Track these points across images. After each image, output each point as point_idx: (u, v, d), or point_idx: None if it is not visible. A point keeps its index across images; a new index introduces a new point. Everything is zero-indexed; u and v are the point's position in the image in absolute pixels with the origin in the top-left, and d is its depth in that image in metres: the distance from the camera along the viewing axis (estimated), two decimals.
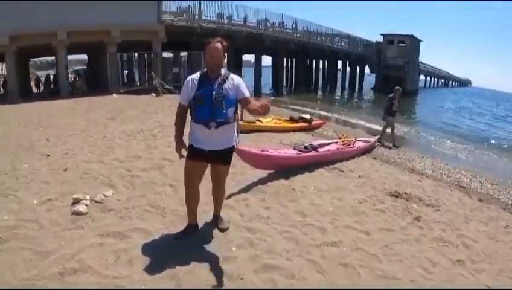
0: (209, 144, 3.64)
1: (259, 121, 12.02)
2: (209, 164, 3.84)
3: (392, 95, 12.57)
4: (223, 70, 3.66)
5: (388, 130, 12.55)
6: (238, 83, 3.66)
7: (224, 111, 3.56)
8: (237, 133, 3.89)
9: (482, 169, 10.94)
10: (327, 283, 3.38)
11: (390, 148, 11.89)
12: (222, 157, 3.78)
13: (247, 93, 3.66)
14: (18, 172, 5.93)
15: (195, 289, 3.11)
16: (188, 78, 3.71)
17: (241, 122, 10.83)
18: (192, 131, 3.70)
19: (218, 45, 3.56)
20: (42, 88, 27.53)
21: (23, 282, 3.05)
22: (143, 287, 3.06)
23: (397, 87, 13.05)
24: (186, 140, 3.80)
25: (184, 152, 3.79)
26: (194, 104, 3.59)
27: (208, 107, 3.51)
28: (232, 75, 3.68)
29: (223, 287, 3.15)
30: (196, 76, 3.68)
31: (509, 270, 4.02)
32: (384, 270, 3.67)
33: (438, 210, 5.68)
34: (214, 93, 3.51)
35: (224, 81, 3.60)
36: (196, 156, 3.69)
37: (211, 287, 3.13)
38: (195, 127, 3.65)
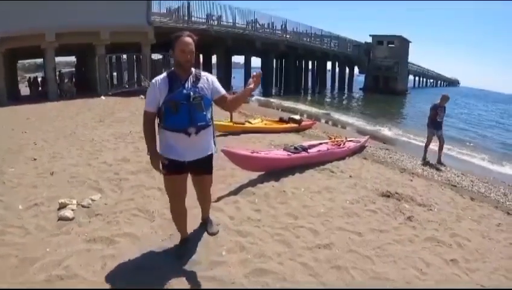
0: (189, 154, 3.26)
1: (249, 122, 12.01)
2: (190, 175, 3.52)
3: (436, 103, 10.52)
4: (193, 69, 3.27)
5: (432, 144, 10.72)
6: (213, 81, 3.36)
7: (204, 113, 3.22)
8: (214, 137, 3.52)
9: (472, 168, 11.01)
10: (319, 284, 3.33)
11: (438, 169, 9.69)
12: (204, 166, 3.46)
13: (223, 91, 3.38)
14: (4, 176, 5.83)
15: (190, 289, 3.07)
16: (153, 81, 3.23)
17: (230, 124, 10.91)
18: (165, 141, 3.26)
19: (189, 39, 3.14)
20: (40, 88, 27.14)
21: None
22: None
23: (444, 93, 10.83)
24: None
25: (163, 161, 3.30)
26: (166, 110, 3.14)
27: (185, 111, 3.12)
28: (203, 73, 3.36)
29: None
30: (163, 77, 3.22)
31: (503, 269, 4.00)
32: (378, 271, 3.63)
33: (430, 209, 5.66)
34: (191, 94, 3.14)
35: (197, 79, 3.24)
36: (175, 169, 3.30)
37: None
38: (170, 136, 3.20)
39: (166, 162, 3.25)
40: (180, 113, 3.11)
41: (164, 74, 3.26)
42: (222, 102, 3.36)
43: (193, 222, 4.06)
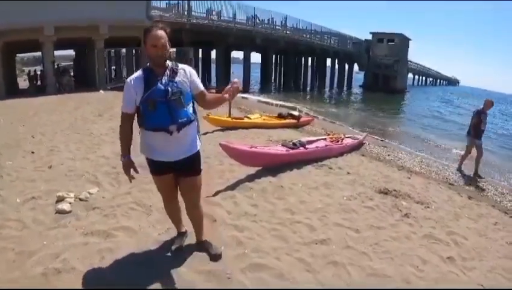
0: (173, 154, 3.08)
1: (248, 117, 12.01)
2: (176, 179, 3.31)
3: (479, 108, 9.30)
4: (169, 62, 3.05)
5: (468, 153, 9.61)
6: (191, 73, 3.14)
7: (185, 109, 3.01)
8: (198, 133, 3.28)
9: (470, 166, 11.01)
10: (318, 284, 3.34)
11: (474, 182, 8.75)
12: (191, 166, 3.22)
13: (202, 87, 3.20)
14: (2, 170, 5.83)
15: (188, 289, 3.05)
16: (128, 80, 3.00)
17: (228, 119, 10.91)
18: (146, 142, 3.09)
19: (161, 32, 2.92)
20: (39, 82, 26.98)
21: (6, 284, 2.97)
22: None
23: (488, 99, 9.40)
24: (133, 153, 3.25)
25: (133, 172, 3.19)
26: (144, 110, 2.94)
27: (164, 109, 2.92)
28: (181, 65, 3.13)
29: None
30: (138, 75, 2.99)
31: (500, 268, 4.01)
32: (375, 268, 3.63)
33: (428, 207, 5.66)
34: (169, 90, 2.92)
35: (174, 73, 3.03)
36: (159, 171, 3.18)
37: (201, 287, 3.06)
38: (151, 136, 3.02)
39: (137, 172, 3.21)
40: (158, 111, 2.92)
41: (139, 72, 3.04)
42: (199, 99, 3.19)
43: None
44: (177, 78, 3.02)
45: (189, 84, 3.09)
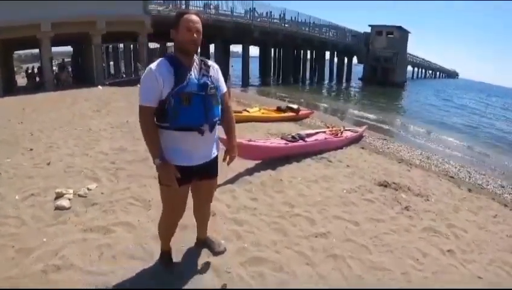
0: (201, 156, 2.77)
1: (247, 110, 11.99)
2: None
3: None
4: (195, 55, 2.75)
5: None
6: (219, 71, 2.88)
7: (219, 107, 2.75)
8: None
9: (470, 159, 11.06)
10: (316, 276, 3.33)
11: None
12: (211, 169, 2.95)
13: (225, 88, 2.93)
14: (1, 167, 5.78)
15: (188, 289, 3.03)
16: (152, 68, 2.57)
17: None
18: (169, 144, 2.66)
19: (197, 17, 2.65)
20: (37, 79, 26.93)
21: (6, 282, 2.95)
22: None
23: None
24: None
25: (177, 175, 2.66)
26: (176, 104, 2.51)
27: (200, 104, 2.58)
28: (209, 61, 2.84)
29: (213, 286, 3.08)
30: (164, 63, 2.60)
31: (500, 261, 4.00)
32: (375, 261, 3.63)
33: (428, 200, 5.66)
34: (208, 83, 2.64)
35: (207, 66, 2.75)
36: (183, 178, 2.71)
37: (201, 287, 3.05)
38: (177, 137, 2.63)
39: (179, 175, 2.66)
40: (193, 107, 2.56)
41: (163, 60, 2.64)
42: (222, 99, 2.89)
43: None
44: (211, 73, 2.76)
45: (219, 81, 2.83)
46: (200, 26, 2.64)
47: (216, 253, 3.36)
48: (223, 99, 2.86)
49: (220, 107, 2.76)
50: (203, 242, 3.47)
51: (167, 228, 3.10)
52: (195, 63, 2.70)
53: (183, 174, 2.69)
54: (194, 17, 2.63)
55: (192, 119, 2.59)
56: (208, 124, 2.67)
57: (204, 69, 2.72)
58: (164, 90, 2.54)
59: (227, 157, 3.04)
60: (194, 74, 2.64)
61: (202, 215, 3.30)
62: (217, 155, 2.97)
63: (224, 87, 2.89)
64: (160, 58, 2.68)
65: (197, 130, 2.64)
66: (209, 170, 2.91)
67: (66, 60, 31.44)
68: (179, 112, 2.53)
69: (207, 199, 3.19)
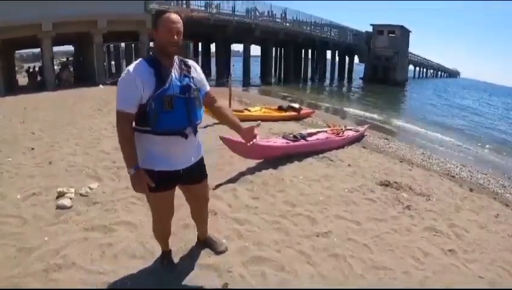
0: (185, 160, 2.70)
1: (248, 110, 11.99)
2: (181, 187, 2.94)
3: None
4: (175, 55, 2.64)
5: None
6: (200, 70, 2.80)
7: (202, 109, 2.68)
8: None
9: (471, 159, 11.06)
10: (318, 275, 3.33)
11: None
12: (198, 172, 2.89)
13: (208, 86, 2.86)
14: (2, 166, 5.80)
15: (189, 288, 3.02)
16: (129, 70, 2.46)
17: None
18: (151, 149, 2.57)
19: (177, 16, 2.52)
20: (39, 78, 26.93)
21: (7, 281, 2.95)
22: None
23: None
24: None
25: (150, 183, 2.58)
26: (157, 109, 2.41)
27: (183, 108, 2.49)
28: (189, 60, 2.75)
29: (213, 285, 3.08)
30: (143, 65, 2.50)
31: (501, 261, 3.99)
32: (376, 261, 3.62)
33: (429, 199, 5.65)
34: (191, 85, 2.56)
35: (188, 67, 2.66)
36: (164, 185, 2.67)
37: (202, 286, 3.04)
38: (159, 141, 2.53)
39: (152, 184, 2.58)
40: (176, 110, 2.47)
41: (142, 61, 2.54)
42: (207, 100, 2.85)
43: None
44: (192, 74, 2.66)
45: (201, 81, 2.75)
46: (180, 26, 2.53)
47: (218, 252, 3.39)
48: (205, 98, 2.81)
49: (203, 109, 2.70)
50: (204, 242, 3.48)
51: (160, 230, 3.07)
52: (175, 64, 2.61)
53: (167, 179, 2.66)
54: (174, 17, 2.51)
55: (175, 123, 2.52)
56: (192, 127, 2.61)
57: (185, 69, 2.64)
58: (144, 94, 2.43)
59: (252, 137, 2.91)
60: (175, 75, 2.55)
61: (200, 217, 3.28)
62: (202, 157, 2.93)
63: (207, 86, 2.84)
64: (139, 59, 2.58)
65: (181, 134, 2.57)
66: (195, 173, 2.85)
67: (61, 60, 31.53)
68: (161, 116, 2.42)
69: (202, 202, 3.15)
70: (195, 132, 2.67)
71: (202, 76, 2.79)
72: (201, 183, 2.99)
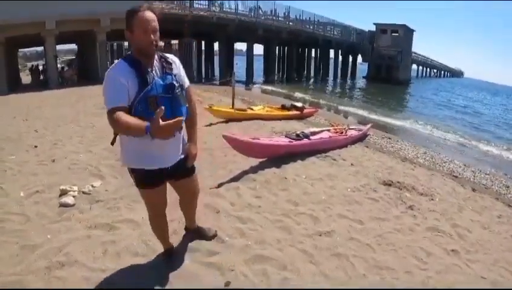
0: (171, 158, 2.71)
1: (251, 108, 11.98)
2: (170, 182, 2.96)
3: None
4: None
5: None
6: (180, 65, 2.74)
7: (186, 105, 2.64)
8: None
9: (474, 159, 11.05)
10: (320, 274, 3.32)
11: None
12: (186, 167, 2.89)
13: (188, 82, 2.80)
14: (5, 164, 5.82)
15: (189, 289, 3.01)
16: (111, 72, 2.41)
17: (232, 111, 10.89)
18: (137, 148, 2.57)
19: (151, 14, 2.42)
20: (41, 76, 26.99)
21: (10, 278, 2.96)
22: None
23: None
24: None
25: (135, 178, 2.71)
26: (143, 110, 2.36)
27: (167, 107, 2.29)
28: (169, 55, 2.69)
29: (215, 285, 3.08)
30: (123, 66, 2.43)
31: (504, 261, 3.98)
32: (378, 260, 3.61)
33: (432, 199, 5.64)
34: (174, 84, 2.51)
35: (169, 64, 2.60)
36: (154, 182, 2.72)
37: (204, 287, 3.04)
38: (148, 141, 2.32)
39: (137, 177, 2.68)
40: None
41: (121, 62, 2.47)
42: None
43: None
44: (174, 71, 2.61)
45: (182, 77, 2.70)
46: (156, 24, 2.44)
47: (209, 238, 3.58)
48: (186, 94, 2.71)
49: (186, 106, 2.66)
50: (194, 231, 3.58)
51: (157, 227, 3.11)
52: (155, 62, 2.55)
53: (156, 176, 2.69)
54: (149, 15, 2.41)
55: None
56: None
57: (167, 66, 2.58)
58: (130, 94, 2.38)
59: (188, 155, 2.85)
60: (157, 73, 2.52)
61: (188, 208, 3.35)
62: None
63: (187, 82, 2.78)
64: (118, 60, 2.52)
65: None
66: (183, 168, 2.86)
67: (64, 58, 31.57)
68: (146, 117, 2.21)
69: (191, 195, 3.18)
70: (180, 129, 2.64)
71: (183, 72, 2.74)
72: (190, 177, 3.01)
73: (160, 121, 2.08)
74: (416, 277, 3.44)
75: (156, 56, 2.56)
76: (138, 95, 2.38)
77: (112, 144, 2.68)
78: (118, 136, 2.64)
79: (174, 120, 2.14)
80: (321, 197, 5.05)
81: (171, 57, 2.68)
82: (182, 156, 2.82)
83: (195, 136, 2.92)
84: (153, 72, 2.49)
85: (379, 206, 5.03)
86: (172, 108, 2.46)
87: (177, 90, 2.52)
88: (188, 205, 3.28)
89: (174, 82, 2.52)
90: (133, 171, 2.70)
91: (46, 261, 3.18)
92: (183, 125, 2.66)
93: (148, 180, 2.69)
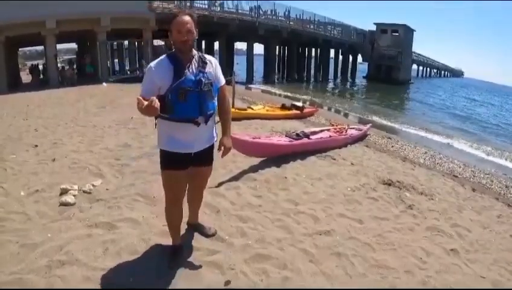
0: (197, 145, 3.03)
1: (251, 108, 11.99)
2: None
3: None
4: (195, 51, 2.96)
5: None
6: (217, 66, 3.08)
7: (214, 101, 3.01)
8: (215, 123, 3.23)
9: (474, 158, 11.05)
10: (320, 274, 3.33)
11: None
12: (207, 156, 3.21)
13: (223, 80, 3.16)
14: (6, 163, 5.83)
15: (189, 288, 3.01)
16: (152, 65, 2.90)
17: (232, 110, 10.87)
18: (169, 133, 2.96)
19: (187, 18, 2.83)
20: (41, 76, 26.94)
21: (10, 276, 2.96)
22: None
23: None
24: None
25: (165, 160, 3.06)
26: (173, 99, 2.77)
27: (195, 100, 2.83)
28: (208, 56, 3.05)
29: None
30: (165, 61, 2.88)
31: (503, 261, 3.99)
32: (378, 259, 3.62)
33: (432, 199, 5.65)
34: (202, 80, 2.84)
35: (204, 63, 2.95)
36: (178, 165, 3.02)
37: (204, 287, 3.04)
38: (176, 127, 2.90)
39: (166, 159, 3.04)
40: (189, 101, 2.81)
41: (163, 57, 2.91)
42: (219, 95, 3.13)
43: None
44: (207, 69, 2.95)
45: (216, 76, 3.04)
46: (190, 26, 2.83)
47: (208, 236, 3.71)
48: (219, 92, 3.12)
49: (215, 101, 3.05)
50: (194, 226, 3.78)
51: (172, 214, 3.26)
52: (194, 60, 2.93)
53: (181, 160, 3.02)
54: (185, 19, 2.82)
55: (187, 113, 2.86)
56: (203, 116, 2.92)
57: (201, 65, 2.94)
58: (163, 86, 2.79)
59: (221, 148, 3.20)
60: (192, 70, 2.88)
61: (194, 199, 3.58)
62: (213, 144, 3.23)
63: (221, 81, 3.13)
64: (163, 56, 2.94)
65: (193, 122, 2.90)
66: (205, 157, 3.19)
67: (64, 57, 31.55)
68: (175, 106, 2.80)
69: (201, 185, 3.49)
70: (206, 120, 2.97)
71: (218, 71, 3.08)
72: (208, 166, 3.33)
73: (145, 103, 2.45)
74: (416, 276, 3.44)
75: (196, 55, 2.96)
76: (171, 86, 2.79)
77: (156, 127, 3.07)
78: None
79: (146, 103, 2.46)
80: (321, 197, 5.06)
81: (208, 57, 3.05)
82: (207, 145, 3.15)
83: (229, 130, 3.27)
84: (189, 68, 2.87)
85: (379, 205, 5.04)
86: (200, 101, 2.87)
87: (205, 87, 2.87)
88: (195, 193, 3.51)
89: (203, 78, 2.87)
90: (161, 153, 3.07)
91: (46, 260, 3.18)
92: (215, 114, 3.09)
93: (172, 163, 3.02)
